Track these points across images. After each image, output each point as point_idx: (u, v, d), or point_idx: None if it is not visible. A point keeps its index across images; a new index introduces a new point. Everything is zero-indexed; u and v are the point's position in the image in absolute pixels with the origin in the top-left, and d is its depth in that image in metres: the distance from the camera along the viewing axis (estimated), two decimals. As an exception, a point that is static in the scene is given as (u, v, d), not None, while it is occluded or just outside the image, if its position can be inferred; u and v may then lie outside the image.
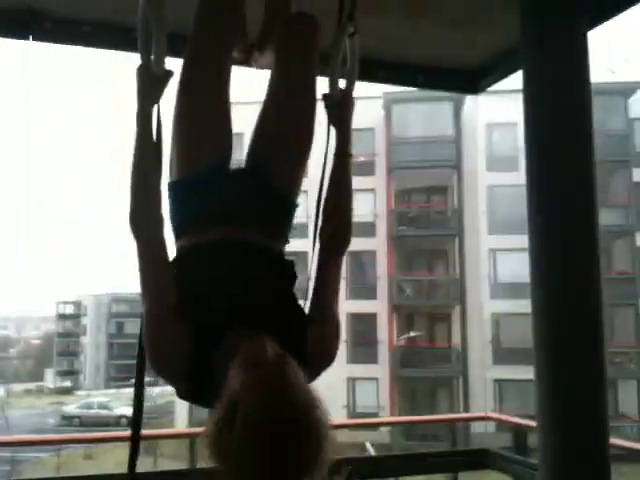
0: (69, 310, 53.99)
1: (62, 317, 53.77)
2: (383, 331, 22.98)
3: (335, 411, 21.83)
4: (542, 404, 2.41)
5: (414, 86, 3.48)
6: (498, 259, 23.15)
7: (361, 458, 3.11)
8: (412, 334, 23.35)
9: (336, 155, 1.62)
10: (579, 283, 2.42)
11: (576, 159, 2.44)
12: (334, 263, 1.52)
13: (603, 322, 2.45)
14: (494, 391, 22.59)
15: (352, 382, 23.20)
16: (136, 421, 1.25)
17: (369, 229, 22.53)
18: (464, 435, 17.20)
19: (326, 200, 1.58)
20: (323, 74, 1.78)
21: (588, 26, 2.52)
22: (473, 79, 3.29)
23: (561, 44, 2.47)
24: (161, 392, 29.29)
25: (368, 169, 22.53)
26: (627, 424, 20.42)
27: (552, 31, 2.46)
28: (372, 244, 22.34)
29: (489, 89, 3.34)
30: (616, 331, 20.25)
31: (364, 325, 22.91)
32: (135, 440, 1.26)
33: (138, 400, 1.27)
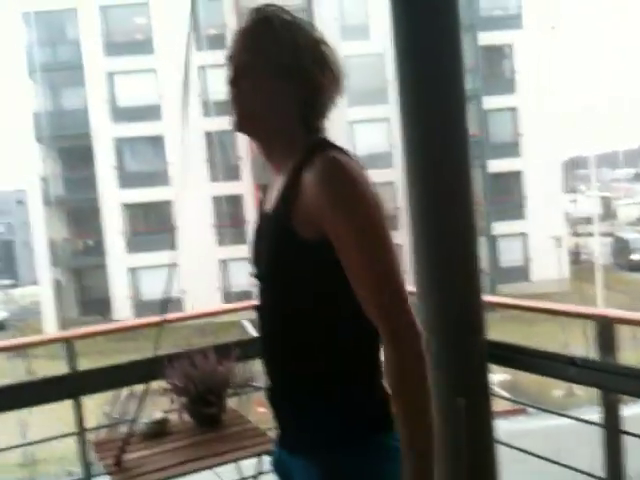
0: None
1: None
2: (250, 211, 23.07)
3: (211, 293, 22.08)
4: (420, 269, 2.46)
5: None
6: (356, 131, 23.49)
7: (245, 340, 3.07)
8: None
9: None
10: (444, 142, 2.45)
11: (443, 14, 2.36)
12: None
13: (471, 178, 2.52)
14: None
15: (223, 264, 23.44)
16: None
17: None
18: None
19: None
20: None
21: None
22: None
23: None
24: (22, 293, 27.88)
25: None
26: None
27: None
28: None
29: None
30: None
31: (230, 207, 22.90)
32: None
33: None
